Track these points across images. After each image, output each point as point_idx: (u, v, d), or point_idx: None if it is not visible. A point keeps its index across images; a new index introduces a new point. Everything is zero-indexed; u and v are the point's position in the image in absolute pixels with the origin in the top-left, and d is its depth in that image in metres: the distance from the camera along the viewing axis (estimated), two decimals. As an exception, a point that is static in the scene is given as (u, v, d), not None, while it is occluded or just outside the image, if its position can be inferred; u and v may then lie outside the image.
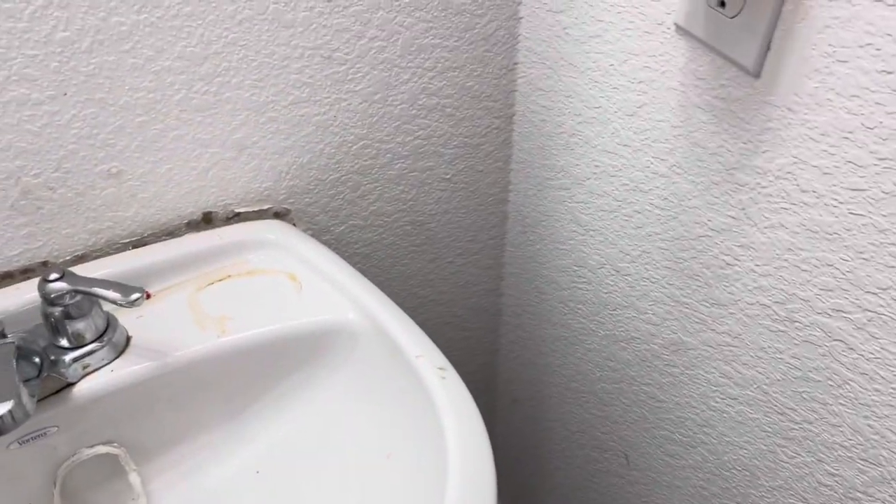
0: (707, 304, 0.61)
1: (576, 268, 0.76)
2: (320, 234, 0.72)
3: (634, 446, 0.80)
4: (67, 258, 0.60)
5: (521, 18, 0.68)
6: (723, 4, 0.47)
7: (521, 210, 0.81)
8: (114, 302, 0.50)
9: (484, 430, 0.52)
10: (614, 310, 0.73)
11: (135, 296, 0.51)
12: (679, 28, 0.52)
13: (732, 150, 0.52)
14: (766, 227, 0.52)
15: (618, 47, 0.58)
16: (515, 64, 0.71)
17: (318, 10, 0.58)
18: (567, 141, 0.69)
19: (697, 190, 0.57)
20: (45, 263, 0.59)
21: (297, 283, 0.62)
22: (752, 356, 0.58)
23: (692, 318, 0.63)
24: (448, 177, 0.77)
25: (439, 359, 0.56)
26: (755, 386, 0.59)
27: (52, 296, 0.51)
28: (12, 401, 0.45)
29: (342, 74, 0.63)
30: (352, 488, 0.57)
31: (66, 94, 0.52)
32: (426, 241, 0.82)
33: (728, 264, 0.57)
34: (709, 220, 0.57)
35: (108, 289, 0.51)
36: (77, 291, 0.51)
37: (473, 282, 0.91)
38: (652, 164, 0.60)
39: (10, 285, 0.58)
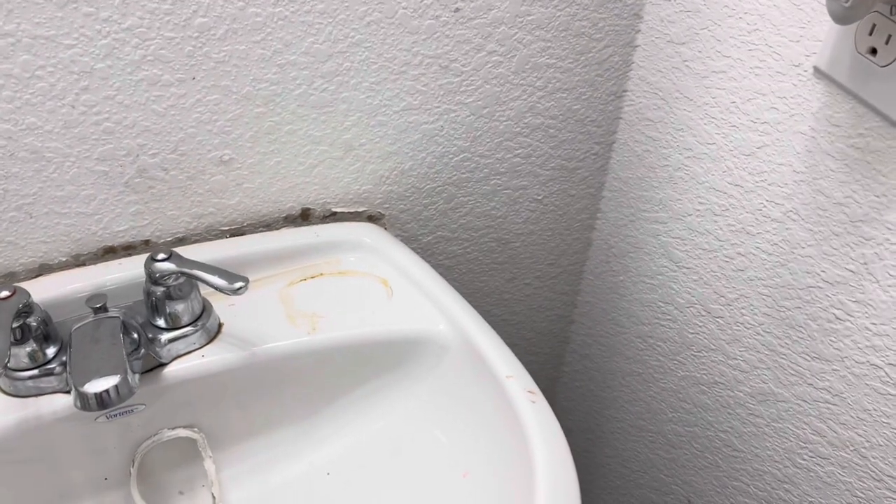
0: (807, 358, 0.59)
1: (661, 304, 0.75)
2: (408, 242, 0.72)
3: (701, 493, 0.78)
4: (168, 239, 0.60)
5: (637, 46, 0.67)
6: (874, 52, 0.46)
7: (608, 239, 0.80)
8: (218, 288, 0.50)
9: (572, 461, 0.51)
10: (699, 351, 0.71)
11: (239, 284, 0.51)
12: (818, 72, 0.50)
13: (862, 202, 0.50)
14: (889, 286, 0.50)
15: (743, 85, 0.57)
16: (624, 91, 0.70)
17: (444, 19, 0.58)
18: (671, 175, 0.67)
19: (814, 239, 0.55)
20: (146, 242, 0.59)
21: (389, 289, 0.62)
22: (852, 416, 0.56)
23: (788, 370, 0.61)
24: (540, 198, 0.76)
25: (529, 382, 0.55)
26: (852, 448, 0.57)
27: (158, 275, 0.52)
28: (119, 376, 0.45)
29: (456, 85, 0.62)
30: (423, 501, 0.56)
31: (194, 79, 0.52)
32: (508, 260, 0.81)
33: (838, 318, 0.55)
34: (822, 272, 0.55)
35: (213, 274, 0.51)
36: (182, 273, 0.52)
37: (547, 306, 0.89)
38: (765, 207, 0.58)
39: (111, 260, 0.58)
